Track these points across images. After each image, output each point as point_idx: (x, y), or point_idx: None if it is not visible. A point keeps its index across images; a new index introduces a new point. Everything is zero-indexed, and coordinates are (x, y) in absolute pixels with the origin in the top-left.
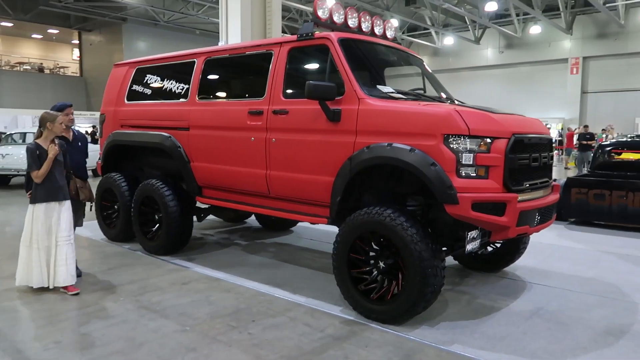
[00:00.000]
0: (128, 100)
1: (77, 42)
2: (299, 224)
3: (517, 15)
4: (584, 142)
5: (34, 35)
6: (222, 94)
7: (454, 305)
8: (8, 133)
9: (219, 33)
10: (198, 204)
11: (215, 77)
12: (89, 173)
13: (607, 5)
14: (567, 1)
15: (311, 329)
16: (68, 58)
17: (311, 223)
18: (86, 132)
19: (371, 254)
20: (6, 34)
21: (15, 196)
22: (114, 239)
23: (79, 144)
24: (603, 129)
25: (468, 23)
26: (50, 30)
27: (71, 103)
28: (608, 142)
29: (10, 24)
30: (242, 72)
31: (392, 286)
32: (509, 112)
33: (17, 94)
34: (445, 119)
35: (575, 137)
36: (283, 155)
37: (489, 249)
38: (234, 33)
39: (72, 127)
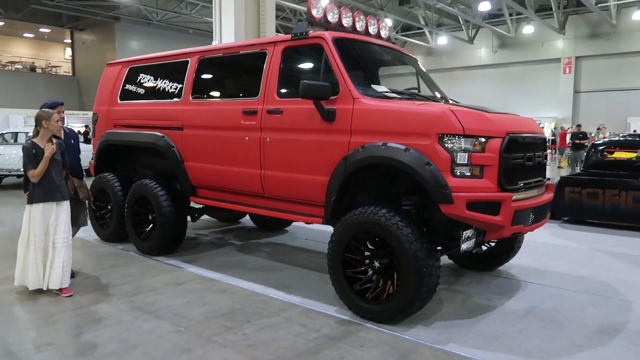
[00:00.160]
0: (121, 99)
1: (70, 41)
2: (294, 223)
3: (510, 15)
4: (577, 141)
5: (26, 34)
6: (216, 94)
7: (449, 305)
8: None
9: (212, 32)
10: (192, 204)
11: (209, 76)
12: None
13: (599, 5)
14: (560, 1)
15: (306, 329)
16: (60, 57)
17: (306, 223)
18: (79, 131)
19: (366, 253)
20: None
21: (8, 196)
22: (107, 240)
23: (72, 141)
24: (598, 128)
25: (461, 23)
26: (42, 29)
27: (62, 101)
28: (601, 142)
29: (1, 23)
30: (236, 71)
31: (388, 286)
32: (503, 111)
33: (8, 93)
34: (440, 118)
35: (568, 137)
36: (277, 155)
37: (484, 248)
38: (227, 32)
39: (63, 125)
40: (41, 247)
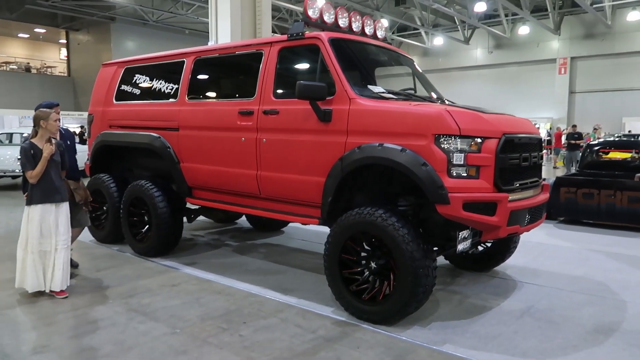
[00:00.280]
0: (117, 100)
1: (65, 41)
2: (290, 224)
3: (506, 15)
4: (573, 142)
5: (21, 35)
6: (212, 94)
7: (445, 305)
8: None
9: (208, 33)
10: (188, 205)
11: (205, 77)
12: None
13: (594, 6)
14: (555, 2)
15: (302, 330)
16: (55, 58)
17: (302, 224)
18: (74, 132)
19: (363, 254)
20: None
21: (3, 198)
22: (102, 241)
23: (68, 142)
24: (594, 129)
25: (457, 23)
26: (37, 30)
27: (58, 102)
28: (596, 142)
29: None
30: (232, 72)
31: (384, 287)
32: (499, 112)
33: (3, 94)
34: (436, 119)
35: (563, 137)
36: (274, 155)
37: (480, 248)
38: (223, 33)
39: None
40: (38, 250)
